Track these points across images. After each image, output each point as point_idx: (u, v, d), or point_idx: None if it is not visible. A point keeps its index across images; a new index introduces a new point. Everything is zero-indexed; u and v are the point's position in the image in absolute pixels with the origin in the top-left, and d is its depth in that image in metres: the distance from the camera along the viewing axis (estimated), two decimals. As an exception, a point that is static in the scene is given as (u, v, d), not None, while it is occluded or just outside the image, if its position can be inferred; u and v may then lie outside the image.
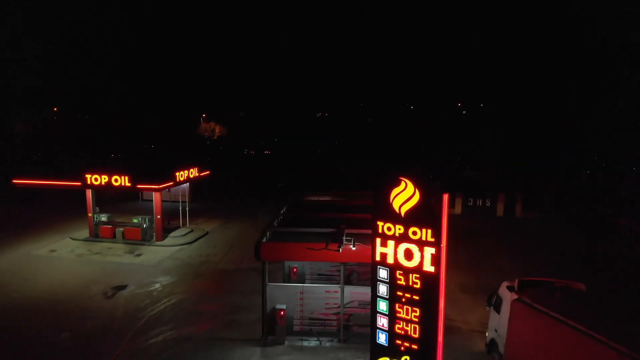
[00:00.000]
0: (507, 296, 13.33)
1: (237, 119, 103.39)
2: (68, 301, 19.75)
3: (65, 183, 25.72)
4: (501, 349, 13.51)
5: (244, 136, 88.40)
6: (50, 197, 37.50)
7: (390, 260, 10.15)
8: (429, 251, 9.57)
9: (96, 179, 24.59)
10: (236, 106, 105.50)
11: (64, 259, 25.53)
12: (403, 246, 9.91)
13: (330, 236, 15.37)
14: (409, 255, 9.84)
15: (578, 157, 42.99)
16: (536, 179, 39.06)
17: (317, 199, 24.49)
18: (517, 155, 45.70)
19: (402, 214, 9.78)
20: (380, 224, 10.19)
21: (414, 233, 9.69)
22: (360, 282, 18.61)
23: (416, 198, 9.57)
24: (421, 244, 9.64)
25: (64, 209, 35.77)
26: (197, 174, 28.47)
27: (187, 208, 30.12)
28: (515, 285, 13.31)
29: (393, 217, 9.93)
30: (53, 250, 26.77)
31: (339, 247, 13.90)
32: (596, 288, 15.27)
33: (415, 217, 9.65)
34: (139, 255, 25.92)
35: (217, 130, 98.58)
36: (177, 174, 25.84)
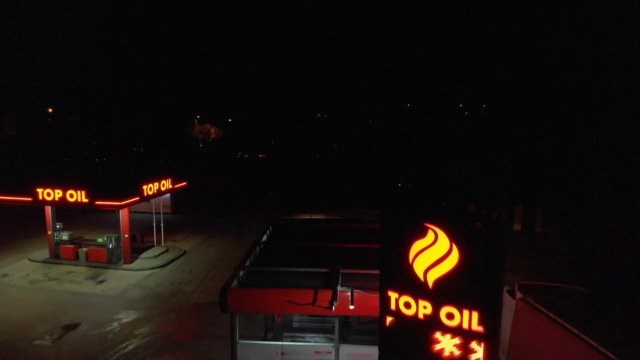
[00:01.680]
0: (507, 300, 12.91)
1: (234, 120, 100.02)
2: (5, 345, 16.12)
3: (14, 198, 21.94)
4: (501, 355, 13.11)
5: (239, 139, 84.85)
6: (19, 209, 33.83)
7: (409, 354, 6.37)
8: (475, 347, 5.79)
9: (49, 194, 20.84)
10: (233, 107, 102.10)
11: (15, 286, 21.80)
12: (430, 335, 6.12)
13: (322, 278, 11.71)
14: (440, 350, 6.06)
15: (600, 165, 39.20)
16: (556, 189, 35.29)
17: (309, 217, 20.82)
18: (532, 161, 41.89)
19: (430, 283, 6.01)
20: (392, 295, 6.41)
21: (450, 316, 5.92)
22: (360, 326, 14.92)
23: (454, 259, 5.80)
24: (461, 334, 5.87)
25: (32, 224, 32.08)
26: (170, 186, 24.70)
27: (162, 224, 26.29)
28: (516, 288, 12.98)
29: (414, 286, 6.16)
30: (5, 275, 23.06)
31: (332, 303, 10.13)
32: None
33: (451, 290, 5.88)
34: (101, 282, 22.16)
35: (212, 132, 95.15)
36: (144, 187, 22.08)
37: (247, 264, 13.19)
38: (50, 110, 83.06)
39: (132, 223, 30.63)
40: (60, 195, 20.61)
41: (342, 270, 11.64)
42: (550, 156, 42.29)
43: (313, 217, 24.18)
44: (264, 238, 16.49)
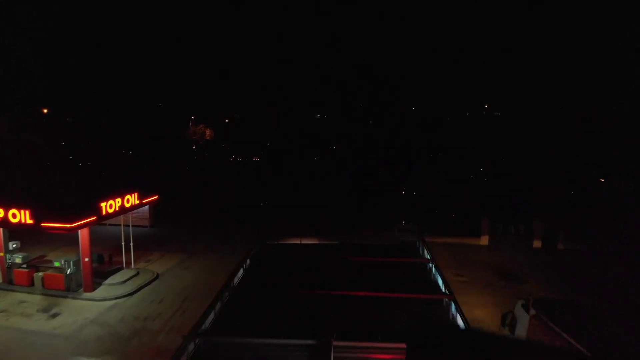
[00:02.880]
0: (522, 315, 13.04)
1: (231, 121, 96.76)
2: None
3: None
4: None
5: (235, 140, 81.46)
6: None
7: None
8: None
9: (-11, 214, 17.46)
10: (228, 108, 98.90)
11: (-45, 320, 18.48)
12: None
13: (307, 352, 8.36)
14: None
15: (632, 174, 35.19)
16: (579, 199, 31.79)
17: (298, 242, 17.43)
18: (553, 168, 38.03)
19: None
20: None
21: None
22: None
23: None
24: None
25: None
26: (136, 202, 21.27)
27: (131, 244, 22.85)
28: (530, 303, 13.06)
29: None
30: (-53, 306, 19.71)
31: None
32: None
33: None
34: (55, 315, 18.80)
35: (207, 133, 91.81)
36: (102, 205, 18.70)
37: (208, 322, 9.82)
38: (45, 111, 79.70)
39: (103, 239, 27.31)
40: (2, 215, 17.25)
41: (334, 343, 8.29)
42: (573, 162, 38.40)
43: (304, 242, 20.73)
44: (240, 273, 13.16)
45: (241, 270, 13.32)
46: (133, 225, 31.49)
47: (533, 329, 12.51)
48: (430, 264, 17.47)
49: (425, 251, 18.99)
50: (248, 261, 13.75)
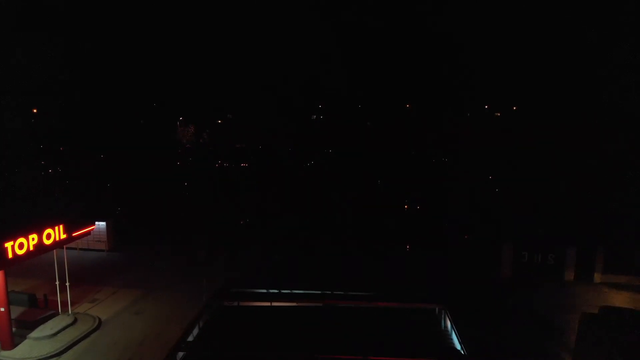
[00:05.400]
0: None
1: (223, 122, 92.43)
2: None
3: None
4: None
5: (223, 143, 76.76)
6: None
7: None
8: None
9: None
10: (221, 108, 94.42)
11: None
12: None
13: None
14: None
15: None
16: (623, 224, 27.32)
17: (268, 304, 12.88)
18: (587, 184, 33.28)
19: None
20: None
21: None
22: None
23: None
24: None
25: None
26: (62, 237, 16.53)
27: (67, 283, 18.05)
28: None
29: None
30: None
31: None
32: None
33: None
34: (-47, 386, 14.22)
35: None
36: (8, 245, 14.05)
37: None
38: (35, 110, 74.91)
39: (43, 267, 22.36)
40: None
41: None
42: (612, 176, 33.40)
43: (274, 305, 16.10)
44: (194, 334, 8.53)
45: (191, 336, 8.90)
46: (87, 249, 26.93)
47: None
48: None
49: (453, 331, 14.33)
50: (201, 324, 9.36)
